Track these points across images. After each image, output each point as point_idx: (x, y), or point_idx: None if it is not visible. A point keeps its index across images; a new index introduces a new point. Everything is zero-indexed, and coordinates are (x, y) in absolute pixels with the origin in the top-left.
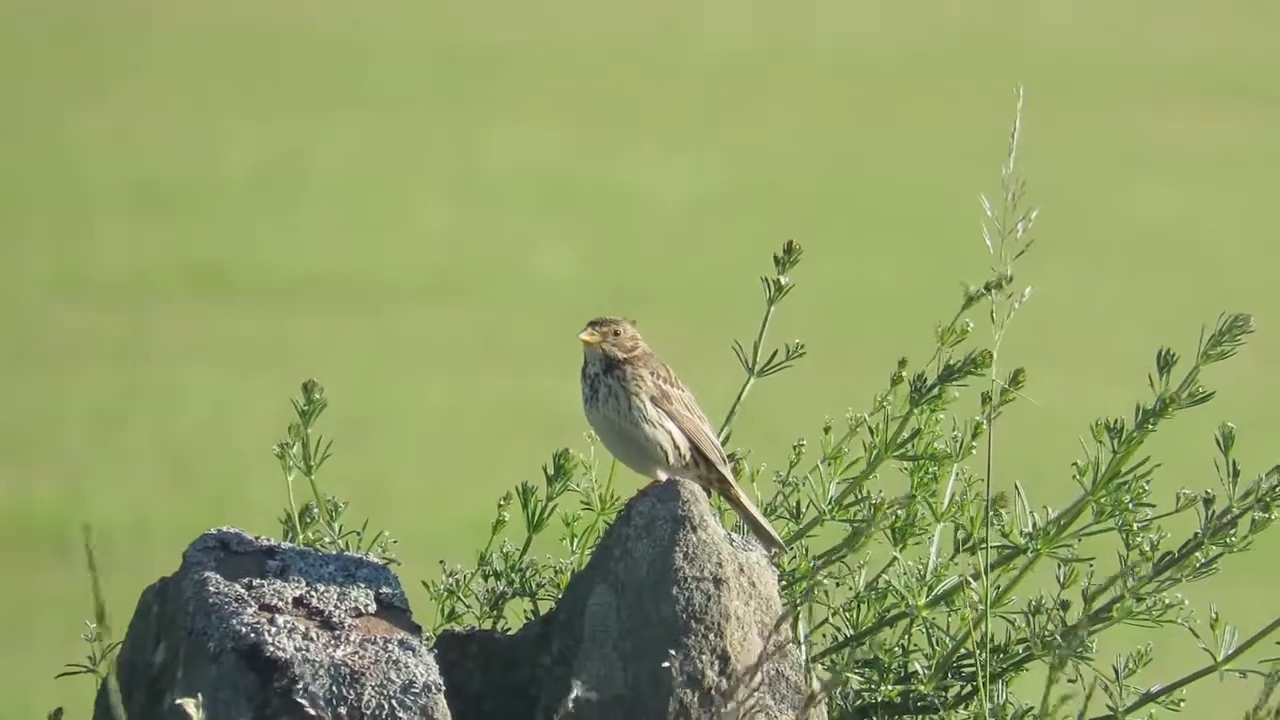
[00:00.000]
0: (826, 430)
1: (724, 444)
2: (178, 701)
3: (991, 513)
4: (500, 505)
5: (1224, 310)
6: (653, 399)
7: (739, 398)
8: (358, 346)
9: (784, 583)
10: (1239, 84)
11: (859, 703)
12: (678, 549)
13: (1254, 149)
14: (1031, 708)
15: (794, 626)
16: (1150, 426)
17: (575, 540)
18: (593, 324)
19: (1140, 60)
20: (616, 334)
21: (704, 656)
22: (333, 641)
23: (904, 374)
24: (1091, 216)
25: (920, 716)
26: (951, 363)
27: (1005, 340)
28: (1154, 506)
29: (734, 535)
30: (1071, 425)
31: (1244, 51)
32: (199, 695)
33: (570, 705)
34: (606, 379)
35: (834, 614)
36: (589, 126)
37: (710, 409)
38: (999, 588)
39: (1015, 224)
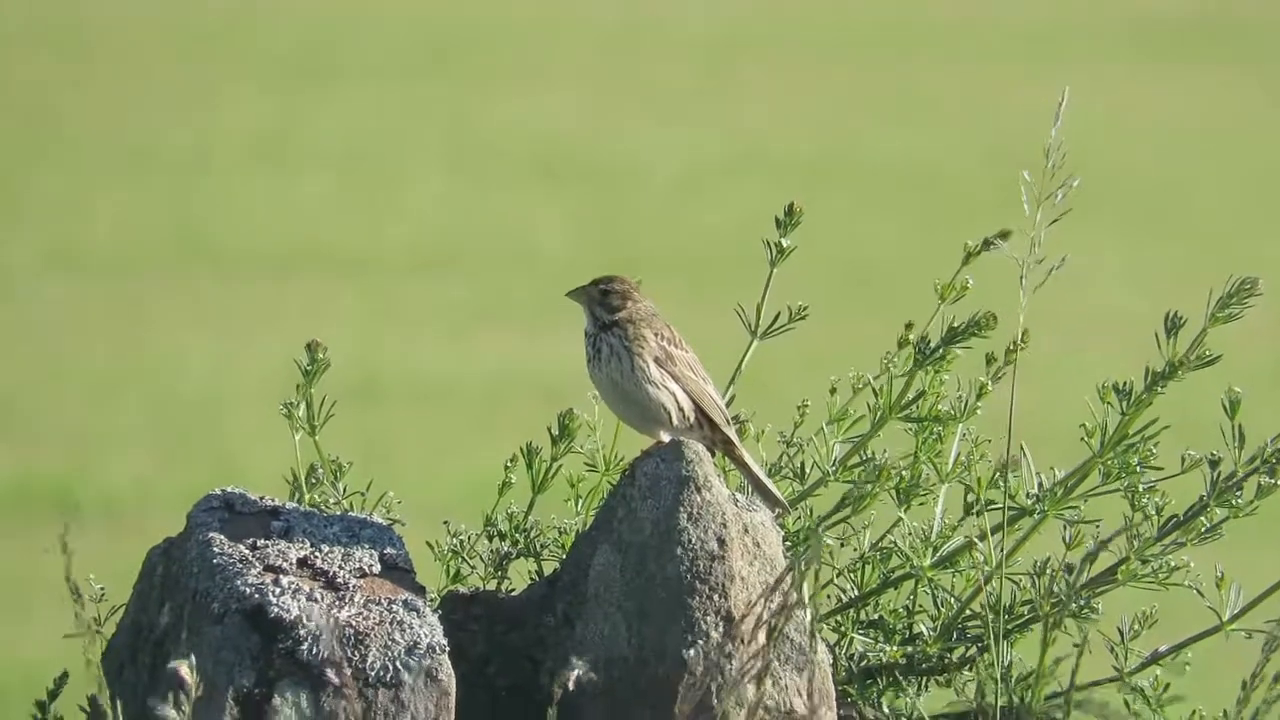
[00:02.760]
0: (832, 391)
1: (728, 406)
2: (171, 664)
3: (998, 474)
4: (506, 467)
5: (1230, 273)
6: (656, 360)
7: (742, 360)
8: (355, 315)
9: (789, 543)
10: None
11: (864, 664)
12: (682, 509)
13: (1233, 105)
14: (1034, 670)
15: (799, 588)
16: (1159, 389)
17: (579, 501)
18: (592, 283)
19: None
20: (605, 294)
21: (708, 618)
22: (337, 602)
23: (910, 337)
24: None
25: (926, 678)
26: (956, 325)
27: (1000, 300)
28: (1161, 469)
29: (738, 496)
30: (1073, 388)
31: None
32: (192, 658)
33: (571, 684)
34: (607, 338)
35: (838, 575)
36: (584, 98)
37: (715, 371)
38: (1005, 549)
39: (1054, 191)
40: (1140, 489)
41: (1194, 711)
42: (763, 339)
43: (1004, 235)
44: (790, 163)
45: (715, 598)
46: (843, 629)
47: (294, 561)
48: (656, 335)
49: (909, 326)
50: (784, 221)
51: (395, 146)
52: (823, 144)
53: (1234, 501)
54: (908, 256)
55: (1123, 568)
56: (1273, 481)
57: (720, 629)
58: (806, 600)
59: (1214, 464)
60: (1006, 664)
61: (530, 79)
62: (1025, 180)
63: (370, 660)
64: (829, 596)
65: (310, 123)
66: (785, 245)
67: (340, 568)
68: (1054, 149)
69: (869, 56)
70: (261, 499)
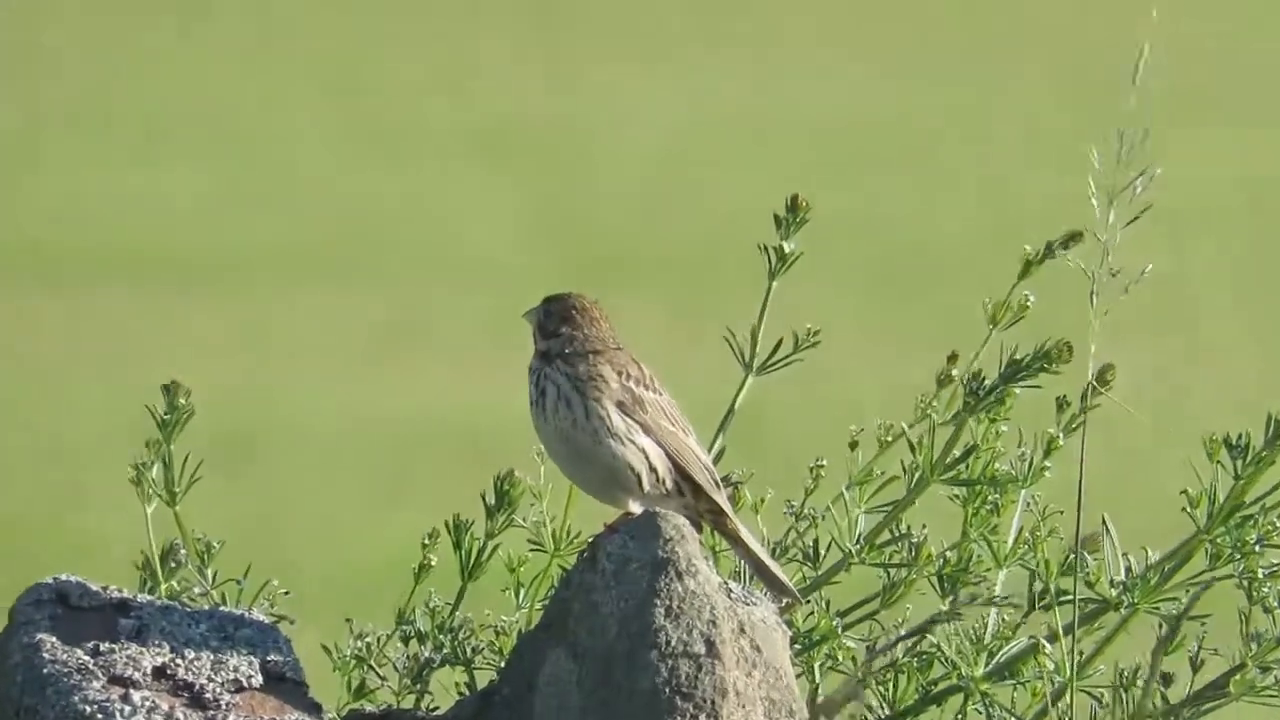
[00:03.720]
0: (853, 446)
1: (717, 463)
2: None
3: (1072, 555)
4: (425, 544)
5: None
6: (620, 405)
7: (734, 402)
8: (225, 340)
9: (798, 646)
10: None
11: None
12: (658, 602)
13: None
14: None
15: (809, 705)
16: None
17: (522, 591)
18: (544, 302)
19: None
20: (549, 314)
21: None
22: None
23: (954, 370)
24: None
25: None
26: (1018, 357)
27: (1065, 321)
28: None
29: (731, 584)
30: (1168, 442)
31: None
32: None
33: None
34: (552, 374)
35: (865, 687)
36: (531, 43)
37: (698, 418)
38: (1082, 653)
39: (1132, 182)
40: (1259, 574)
41: None
42: (760, 374)
43: (1074, 238)
44: (805, 129)
45: (702, 719)
46: None
47: (148, 671)
48: (620, 373)
49: (953, 359)
50: (786, 219)
51: (270, 118)
52: (845, 105)
53: None
54: (957, 246)
55: (1236, 678)
56: None
57: None
58: None
59: None
60: None
61: (453, 21)
62: (1093, 167)
63: None
64: (852, 718)
65: (140, 88)
66: (789, 251)
67: (210, 679)
68: (1128, 140)
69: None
70: (106, 589)
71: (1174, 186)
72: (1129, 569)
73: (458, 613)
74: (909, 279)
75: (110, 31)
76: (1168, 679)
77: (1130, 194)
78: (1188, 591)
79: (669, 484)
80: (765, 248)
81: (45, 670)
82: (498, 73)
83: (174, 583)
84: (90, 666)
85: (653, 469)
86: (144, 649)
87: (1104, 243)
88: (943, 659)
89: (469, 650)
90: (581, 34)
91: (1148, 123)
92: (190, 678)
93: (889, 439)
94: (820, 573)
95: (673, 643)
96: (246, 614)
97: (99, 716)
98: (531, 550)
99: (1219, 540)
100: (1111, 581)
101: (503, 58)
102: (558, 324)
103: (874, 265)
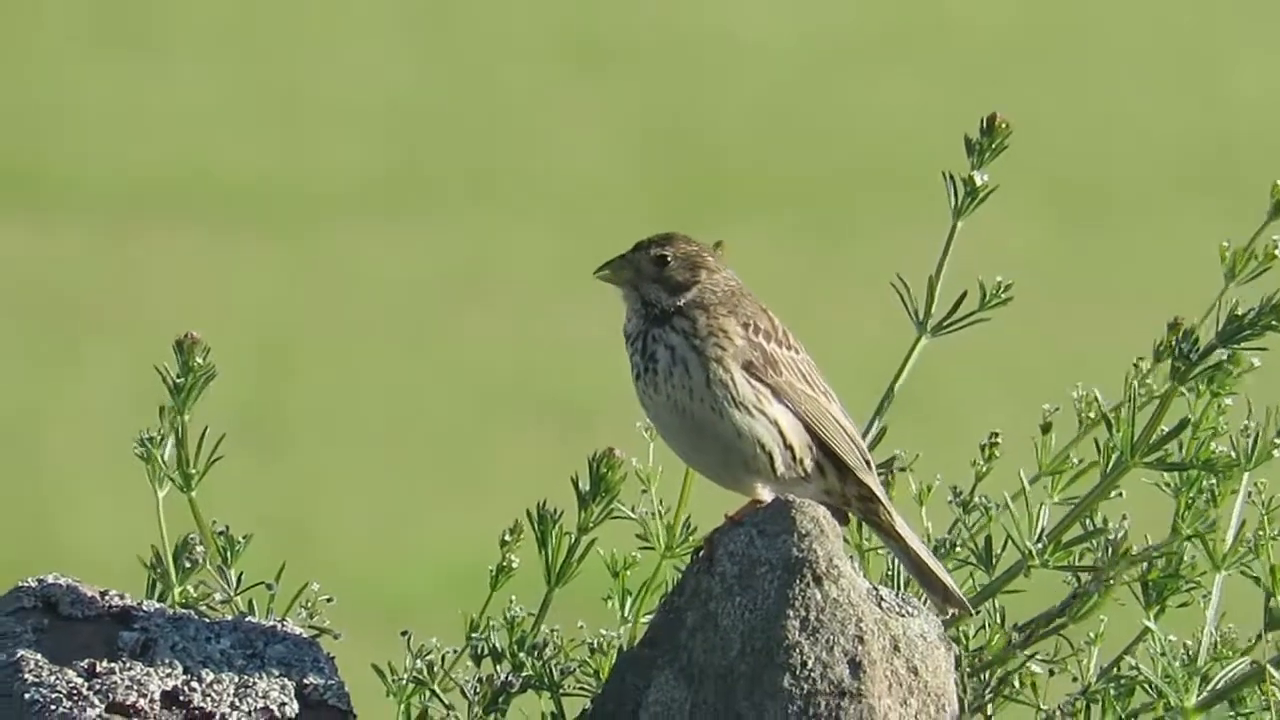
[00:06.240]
0: (1046, 430)
1: (875, 448)
2: None
3: None
4: (504, 541)
5: None
6: (747, 367)
7: (903, 367)
8: (254, 283)
9: (966, 668)
10: None
11: None
12: (791, 613)
13: None
14: None
15: None
16: None
17: (626, 599)
18: (638, 248)
19: None
20: (660, 262)
21: None
22: None
23: (1171, 340)
24: None
25: None
26: (1240, 313)
27: None
28: None
29: (883, 590)
30: None
31: None
32: None
33: None
34: (666, 335)
35: (1049, 718)
36: None
37: (842, 385)
38: None
39: None
40: None
41: None
42: (936, 335)
43: None
44: (974, 34)
45: None
46: None
47: (157, 697)
48: (746, 326)
49: (1175, 326)
50: (980, 143)
51: (308, 9)
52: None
53: None
54: (1163, 182)
55: None
56: None
57: None
58: None
59: None
60: None
61: None
62: None
63: None
64: None
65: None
66: (980, 182)
67: (233, 707)
68: None
69: None
70: (104, 595)
71: None
72: None
73: (542, 625)
74: (1086, 215)
75: None
76: None
77: None
78: None
79: (808, 464)
80: (951, 177)
81: (28, 695)
82: None
83: (188, 586)
84: (84, 691)
85: (788, 446)
86: (151, 669)
87: None
88: (1146, 685)
89: (556, 672)
90: None
91: None
92: (209, 705)
93: (1089, 415)
94: (994, 578)
95: (809, 664)
96: (279, 626)
97: None
98: (638, 548)
99: None
100: None
101: None
102: (687, 273)
103: (1045, 197)
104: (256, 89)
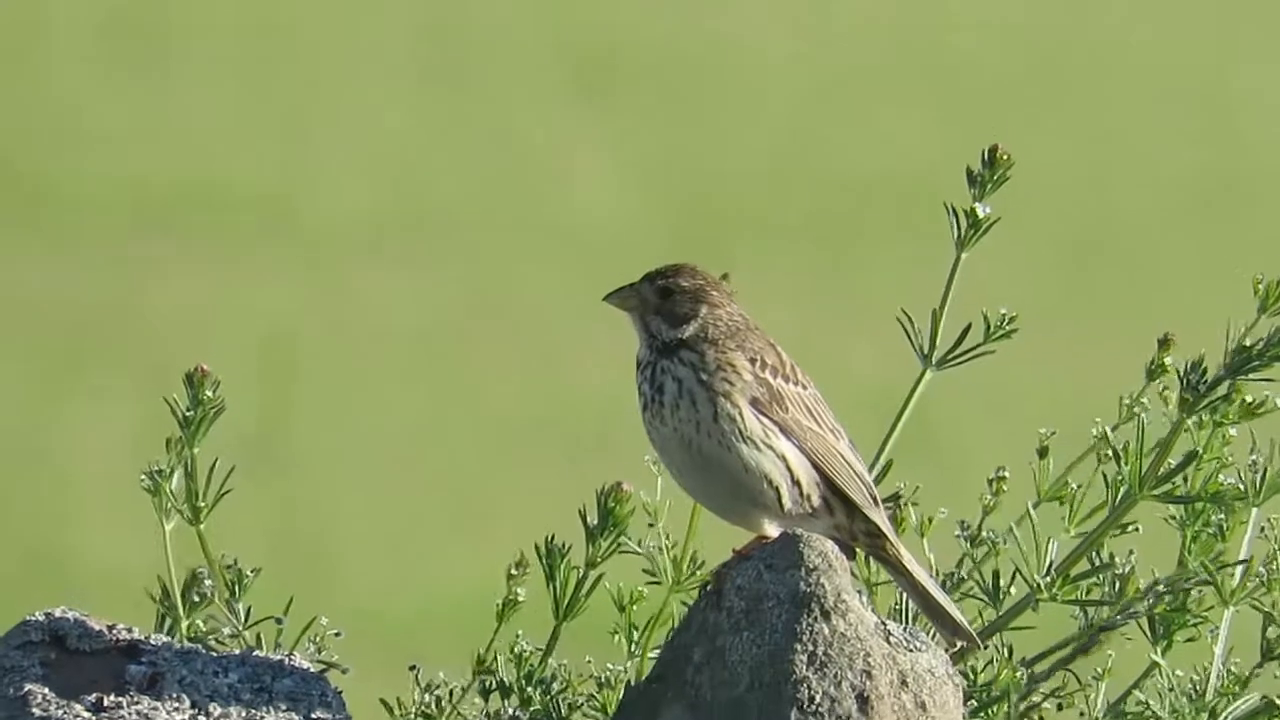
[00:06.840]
0: (1043, 454)
1: (880, 481)
2: None
3: None
4: (511, 574)
5: None
6: (755, 402)
7: (908, 400)
8: (262, 319)
9: (973, 702)
10: None
11: None
12: (799, 648)
13: None
14: None
15: None
16: None
17: (633, 634)
18: (646, 278)
19: None
20: (667, 292)
21: None
22: None
23: (1165, 359)
24: None
25: None
26: (1249, 344)
27: None
28: None
29: (890, 625)
30: None
31: None
32: None
33: None
34: (674, 367)
35: None
36: None
37: (848, 418)
38: None
39: None
40: None
41: None
42: (941, 368)
43: None
44: (990, 64)
45: None
46: None
47: None
48: (754, 361)
49: (1165, 343)
50: (983, 176)
51: (317, 43)
52: (1039, 38)
53: None
54: (1159, 221)
55: None
56: None
57: None
58: None
59: None
60: None
61: None
62: None
63: None
64: None
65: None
66: (982, 214)
67: None
68: None
69: None
70: (112, 628)
71: None
72: None
73: (550, 660)
74: (1097, 248)
75: None
76: None
77: None
78: None
79: (815, 500)
80: (953, 209)
81: None
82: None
83: (196, 619)
84: None
85: (795, 481)
86: (159, 703)
87: None
88: (1155, 719)
89: (564, 706)
90: None
91: None
92: None
93: (1093, 446)
94: (1002, 612)
95: (817, 698)
96: (287, 660)
97: None
98: (646, 582)
99: None
100: None
101: None
102: (690, 306)
103: (1055, 231)
104: (268, 111)
